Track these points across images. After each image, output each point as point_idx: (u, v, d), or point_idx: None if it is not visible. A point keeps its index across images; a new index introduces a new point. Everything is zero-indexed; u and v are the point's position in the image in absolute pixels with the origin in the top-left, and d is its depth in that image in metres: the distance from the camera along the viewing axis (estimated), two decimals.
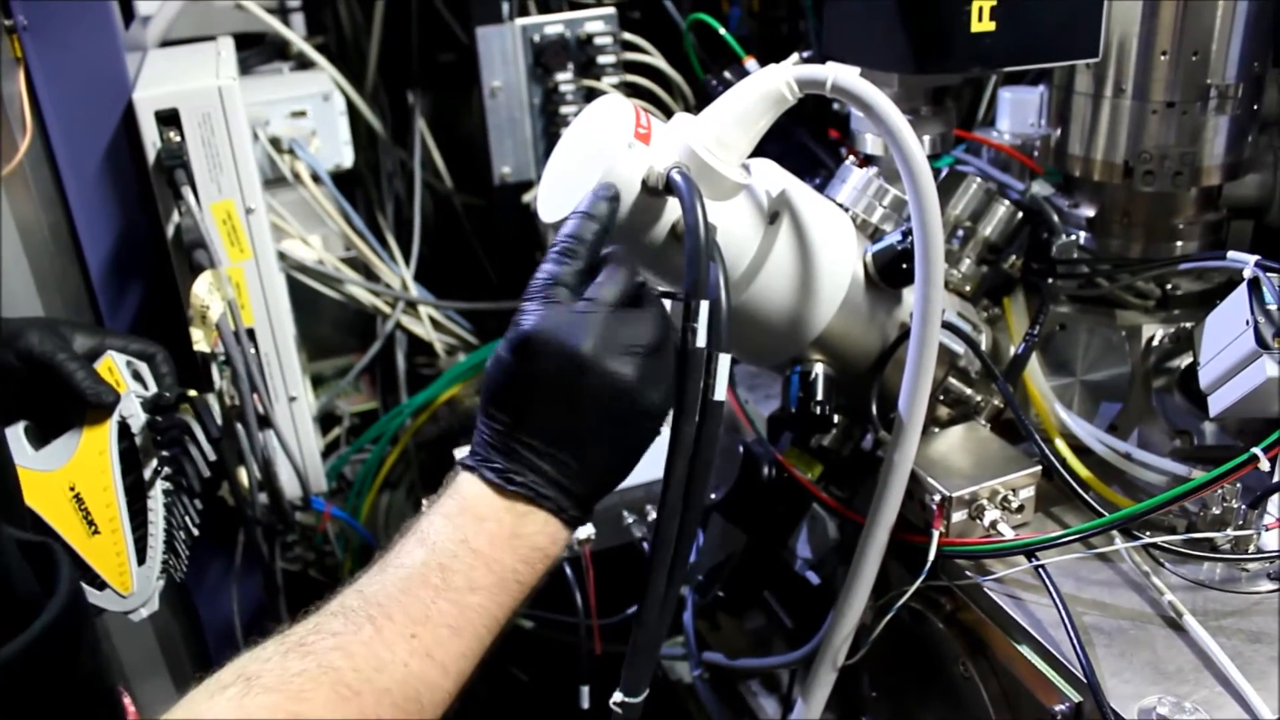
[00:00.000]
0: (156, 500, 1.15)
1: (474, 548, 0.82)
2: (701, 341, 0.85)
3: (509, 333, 0.84)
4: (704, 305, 0.85)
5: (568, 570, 1.48)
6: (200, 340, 1.35)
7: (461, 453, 0.89)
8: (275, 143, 1.75)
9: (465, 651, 0.80)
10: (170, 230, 1.40)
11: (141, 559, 1.12)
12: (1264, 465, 0.96)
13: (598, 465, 0.86)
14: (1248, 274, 1.04)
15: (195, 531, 1.20)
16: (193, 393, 1.20)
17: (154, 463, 1.15)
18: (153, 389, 1.17)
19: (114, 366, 1.14)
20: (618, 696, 0.89)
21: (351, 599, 0.79)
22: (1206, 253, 1.21)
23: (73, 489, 1.09)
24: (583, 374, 0.82)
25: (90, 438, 1.11)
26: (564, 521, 0.85)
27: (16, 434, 1.10)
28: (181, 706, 0.70)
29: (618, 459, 0.88)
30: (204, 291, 1.33)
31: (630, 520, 1.50)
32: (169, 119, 1.37)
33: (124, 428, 1.13)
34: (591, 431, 0.85)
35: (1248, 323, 1.01)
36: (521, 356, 0.83)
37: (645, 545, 1.54)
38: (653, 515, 1.48)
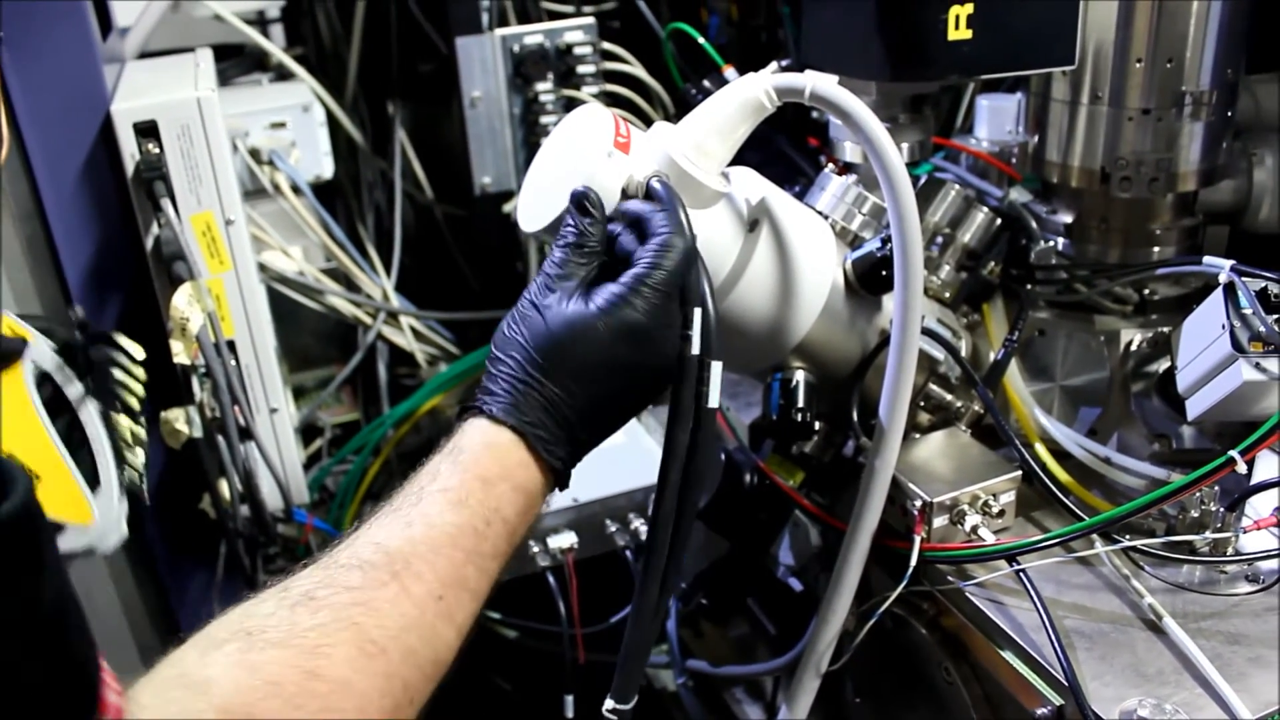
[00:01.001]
0: (92, 422, 1.08)
1: (505, 517, 0.81)
2: (696, 349, 0.85)
3: (594, 304, 0.83)
4: (698, 312, 0.85)
5: (550, 579, 1.48)
6: (180, 352, 1.34)
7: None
8: (255, 154, 1.74)
9: (475, 614, 0.79)
10: (149, 242, 1.39)
11: (94, 485, 1.07)
12: (1241, 468, 0.97)
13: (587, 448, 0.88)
14: (1223, 279, 1.05)
15: (144, 438, 1.16)
16: (114, 336, 1.17)
17: (78, 389, 1.08)
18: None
19: (14, 324, 1.09)
20: (609, 704, 0.89)
21: (368, 551, 0.75)
22: (1183, 258, 1.22)
23: None
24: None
25: (5, 390, 1.08)
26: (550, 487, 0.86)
27: None
28: (169, 663, 0.66)
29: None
30: (184, 304, 1.33)
31: (613, 529, 1.50)
32: (147, 131, 1.36)
33: (43, 376, 1.06)
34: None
35: (1223, 327, 1.02)
36: (614, 336, 0.82)
37: (629, 554, 1.54)
38: (635, 524, 1.48)
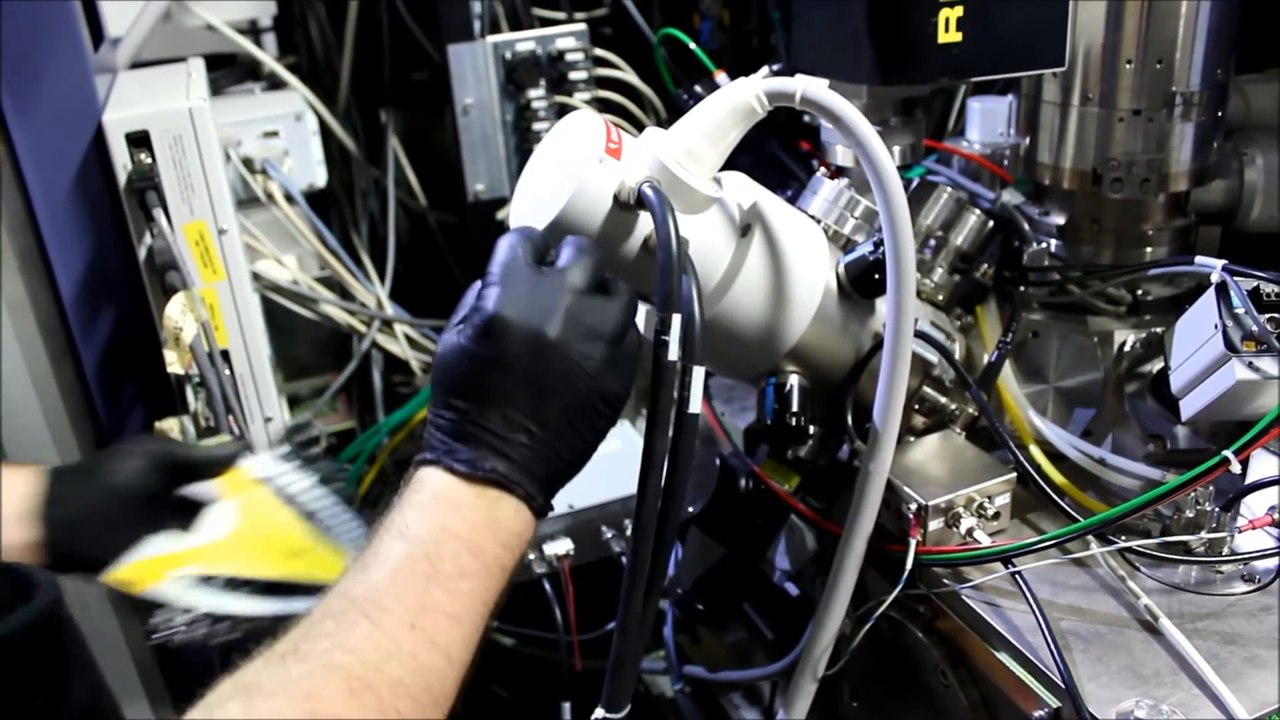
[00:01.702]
0: (324, 500, 1.17)
1: (455, 534, 0.80)
2: (675, 354, 0.85)
3: (470, 317, 0.83)
4: (676, 318, 0.85)
5: (547, 586, 1.48)
6: (174, 362, 1.34)
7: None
8: (248, 163, 1.74)
9: (465, 640, 0.79)
10: (142, 252, 1.39)
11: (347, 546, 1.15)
12: (1235, 468, 0.97)
13: (559, 452, 0.85)
14: (1215, 279, 1.05)
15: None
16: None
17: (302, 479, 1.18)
18: None
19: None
20: (599, 713, 0.89)
21: (336, 602, 0.77)
22: (1175, 258, 1.22)
23: (254, 536, 1.11)
24: (546, 356, 0.82)
25: (242, 494, 1.14)
26: (532, 509, 0.84)
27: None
28: None
29: (576, 446, 0.87)
30: (177, 313, 1.33)
31: (609, 535, 1.50)
32: (140, 141, 1.36)
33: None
34: (553, 417, 0.84)
35: (1216, 327, 1.02)
36: (485, 339, 0.82)
37: (625, 560, 1.53)
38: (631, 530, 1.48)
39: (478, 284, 0.87)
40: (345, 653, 0.73)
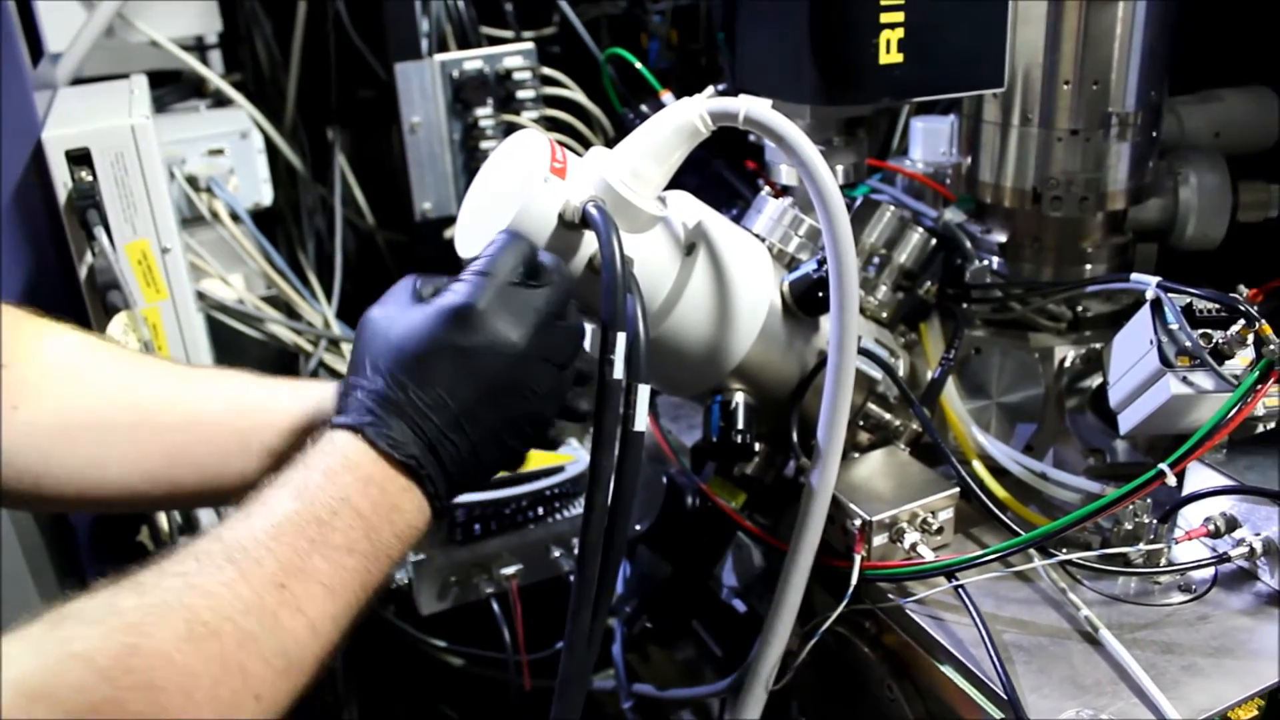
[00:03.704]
0: None
1: (356, 508, 0.77)
2: (619, 373, 0.85)
3: (446, 297, 0.83)
4: (621, 337, 0.85)
5: (495, 606, 1.47)
6: None
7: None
8: (192, 181, 1.73)
9: (336, 615, 0.74)
10: (83, 271, 1.37)
11: None
12: (1171, 480, 0.99)
13: (480, 459, 0.84)
14: (1150, 295, 1.07)
15: None
16: None
17: None
18: None
19: None
20: None
21: (206, 544, 0.71)
22: (1112, 275, 1.25)
23: None
24: (508, 364, 0.82)
25: None
26: (434, 509, 0.82)
27: None
28: None
29: (496, 458, 0.86)
30: (119, 333, 1.31)
31: (557, 554, 1.49)
32: (80, 158, 1.34)
33: None
34: (488, 423, 0.83)
35: (1151, 342, 1.04)
36: (455, 324, 0.81)
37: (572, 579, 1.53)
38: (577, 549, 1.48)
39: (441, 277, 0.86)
40: (197, 594, 0.67)
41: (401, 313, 0.84)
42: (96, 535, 1.50)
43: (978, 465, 1.21)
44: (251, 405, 0.98)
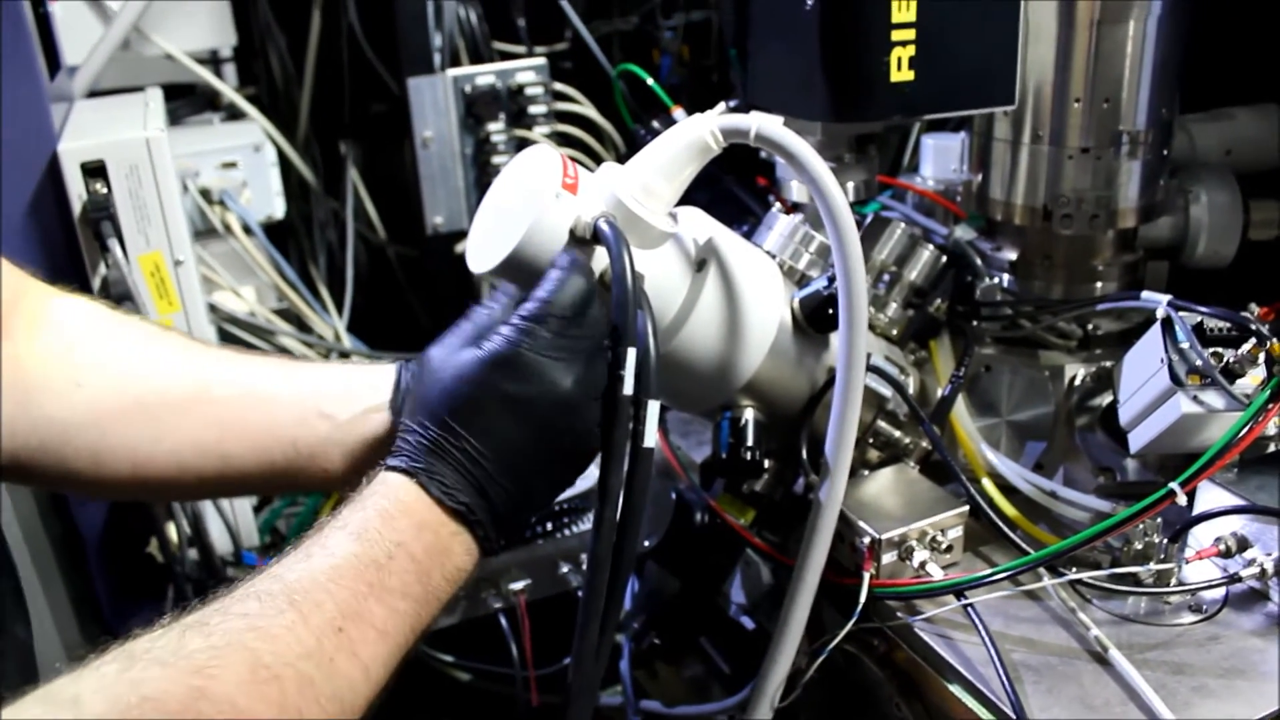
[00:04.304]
0: None
1: (410, 552, 0.78)
2: (629, 389, 0.85)
3: (492, 349, 0.83)
4: (631, 352, 0.85)
5: (503, 621, 1.47)
6: None
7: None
8: (205, 194, 1.74)
9: (386, 660, 0.75)
10: (96, 283, 1.38)
11: None
12: (1181, 500, 0.98)
13: (531, 500, 0.85)
14: (1160, 313, 1.07)
15: None
16: None
17: None
18: None
19: None
20: None
21: (267, 583, 0.73)
22: (1123, 293, 1.24)
23: None
24: (564, 412, 0.83)
25: None
26: (484, 551, 0.83)
27: None
28: (37, 695, 0.62)
29: (546, 497, 0.88)
30: None
31: (566, 569, 1.49)
32: (95, 171, 1.36)
33: None
34: (542, 467, 0.84)
35: (1162, 361, 1.04)
36: (507, 375, 0.82)
37: (581, 595, 1.53)
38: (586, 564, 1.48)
39: (499, 296, 0.88)
40: (260, 637, 0.68)
41: (455, 354, 0.86)
42: (106, 547, 1.50)
43: (987, 483, 1.21)
44: (304, 374, 1.02)
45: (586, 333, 0.85)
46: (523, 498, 0.84)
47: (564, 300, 0.85)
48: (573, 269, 0.87)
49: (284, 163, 1.90)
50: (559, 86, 1.89)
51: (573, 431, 0.84)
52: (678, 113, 1.45)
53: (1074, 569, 1.07)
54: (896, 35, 1.09)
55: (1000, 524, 1.12)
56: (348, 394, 1.00)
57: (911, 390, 1.22)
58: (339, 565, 0.75)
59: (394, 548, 0.77)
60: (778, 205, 1.20)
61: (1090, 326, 1.26)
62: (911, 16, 1.08)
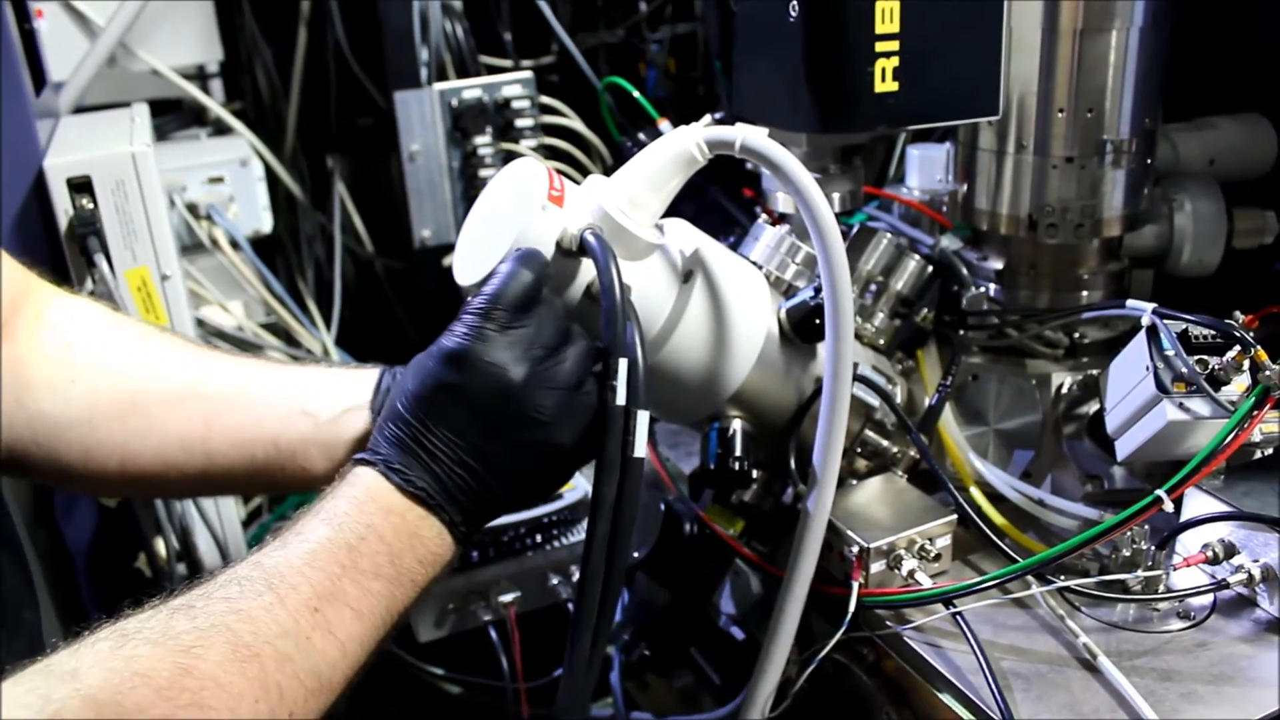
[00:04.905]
0: None
1: (380, 535, 0.82)
2: (621, 400, 0.86)
3: (440, 346, 0.86)
4: (622, 363, 0.86)
5: (493, 633, 1.47)
6: None
7: None
8: (192, 209, 1.74)
9: (363, 639, 0.79)
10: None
11: None
12: (1168, 506, 0.99)
13: (492, 487, 0.87)
14: (1146, 321, 1.08)
15: None
16: None
17: None
18: None
19: None
20: None
21: (247, 569, 0.77)
22: (1108, 302, 1.25)
23: None
24: (506, 398, 0.84)
25: None
26: (455, 537, 0.86)
27: None
28: (37, 668, 0.66)
29: (514, 490, 0.89)
30: None
31: (555, 581, 1.49)
32: (82, 186, 1.35)
33: None
34: (498, 454, 0.86)
35: (1147, 368, 1.04)
36: (449, 365, 0.85)
37: (571, 606, 1.53)
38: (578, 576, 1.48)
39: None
40: (240, 619, 0.73)
41: (425, 356, 0.89)
42: (93, 561, 1.50)
43: (975, 492, 1.21)
44: (291, 374, 1.06)
45: (535, 324, 0.87)
46: (483, 488, 0.86)
47: (509, 294, 0.87)
48: (519, 263, 0.88)
49: (271, 177, 1.90)
50: (545, 100, 1.90)
51: (523, 421, 0.86)
52: (664, 125, 1.46)
53: (1062, 576, 1.07)
54: (880, 46, 1.09)
55: (988, 532, 1.12)
56: (331, 394, 1.03)
57: (899, 400, 1.22)
58: (313, 549, 0.79)
59: (365, 530, 0.81)
60: (764, 216, 1.20)
61: (1076, 335, 1.27)
62: (895, 27, 1.09)
